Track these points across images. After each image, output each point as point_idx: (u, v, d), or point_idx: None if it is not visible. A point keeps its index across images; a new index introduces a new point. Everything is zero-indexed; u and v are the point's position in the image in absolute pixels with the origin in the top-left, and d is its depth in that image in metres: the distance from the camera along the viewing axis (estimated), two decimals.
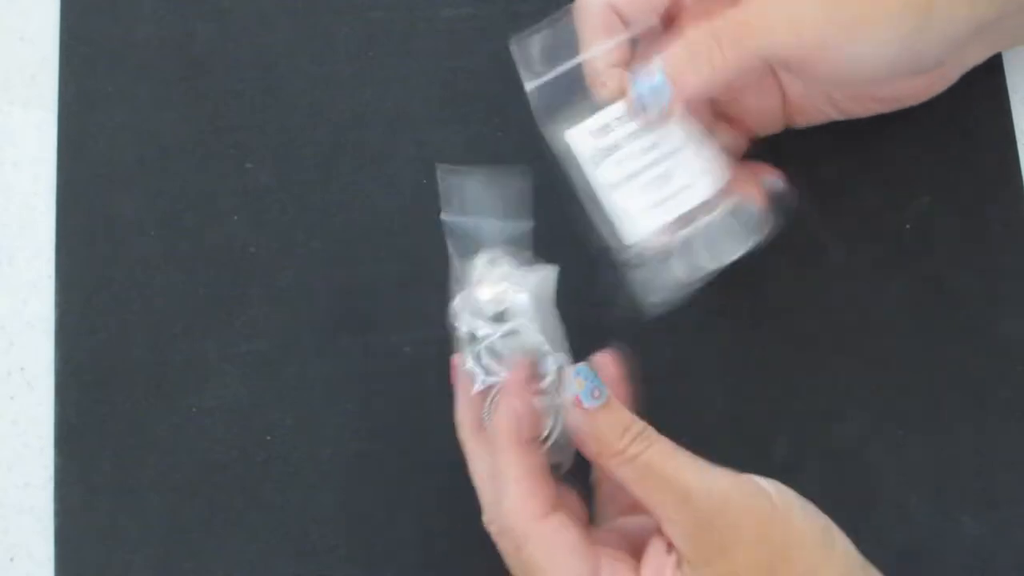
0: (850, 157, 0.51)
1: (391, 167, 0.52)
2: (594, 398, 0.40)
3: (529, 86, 0.45)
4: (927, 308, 0.50)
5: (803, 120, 0.49)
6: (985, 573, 0.48)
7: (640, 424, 0.40)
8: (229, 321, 0.50)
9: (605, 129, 0.44)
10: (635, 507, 0.42)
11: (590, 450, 0.41)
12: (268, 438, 0.50)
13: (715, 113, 0.47)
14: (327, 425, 0.50)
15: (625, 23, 0.45)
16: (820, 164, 0.50)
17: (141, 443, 0.50)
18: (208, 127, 0.53)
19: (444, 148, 0.52)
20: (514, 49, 0.45)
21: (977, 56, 0.48)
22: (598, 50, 0.44)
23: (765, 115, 0.48)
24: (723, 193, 0.44)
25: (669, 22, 0.46)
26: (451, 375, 0.44)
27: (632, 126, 0.44)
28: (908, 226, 0.50)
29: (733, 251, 0.45)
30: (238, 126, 0.52)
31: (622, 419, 0.40)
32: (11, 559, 0.49)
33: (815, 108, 0.48)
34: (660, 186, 0.44)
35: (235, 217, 0.52)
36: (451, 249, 0.44)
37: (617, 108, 0.44)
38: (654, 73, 0.43)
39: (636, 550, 0.41)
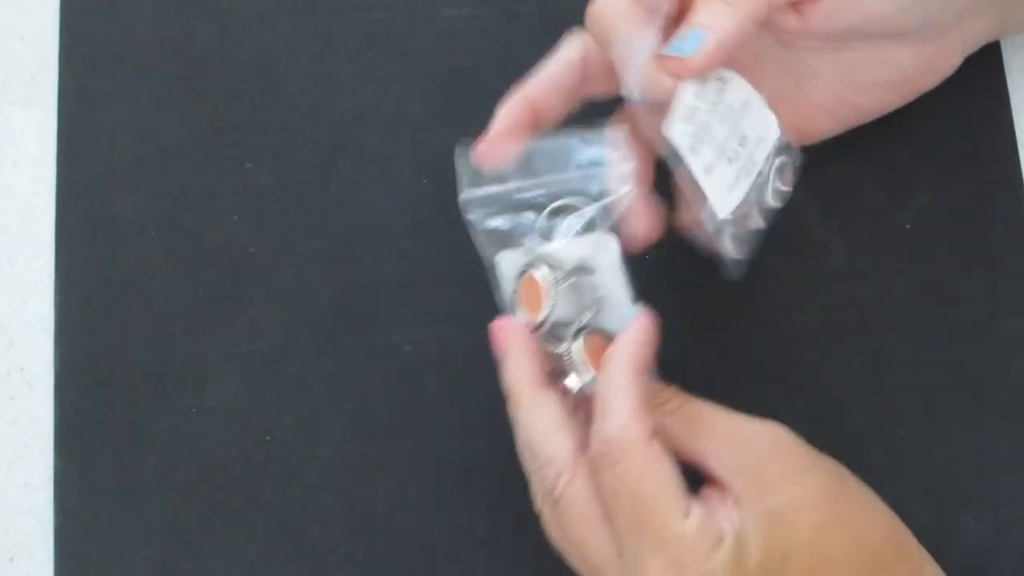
0: (850, 157, 0.51)
1: (391, 167, 0.52)
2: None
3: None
4: (927, 308, 0.50)
5: (818, 132, 0.49)
6: (985, 573, 0.48)
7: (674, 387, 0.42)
8: (229, 321, 0.50)
9: (693, 111, 0.43)
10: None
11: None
12: (268, 438, 0.50)
13: None
14: (327, 425, 0.49)
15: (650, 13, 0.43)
16: (820, 164, 0.50)
17: (141, 443, 0.50)
18: (208, 127, 0.53)
19: (444, 148, 0.52)
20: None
21: (973, 35, 0.48)
22: (638, 43, 0.42)
23: (784, 114, 0.48)
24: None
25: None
26: (496, 339, 0.43)
27: (710, 96, 0.43)
28: (908, 226, 0.50)
29: (787, 192, 0.45)
30: (238, 126, 0.52)
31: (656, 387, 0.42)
32: (11, 559, 0.49)
33: (828, 114, 0.48)
34: (739, 152, 0.43)
35: (235, 217, 0.52)
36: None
37: (691, 87, 0.43)
38: (682, 30, 0.42)
39: None
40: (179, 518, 0.49)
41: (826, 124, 0.49)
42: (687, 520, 0.39)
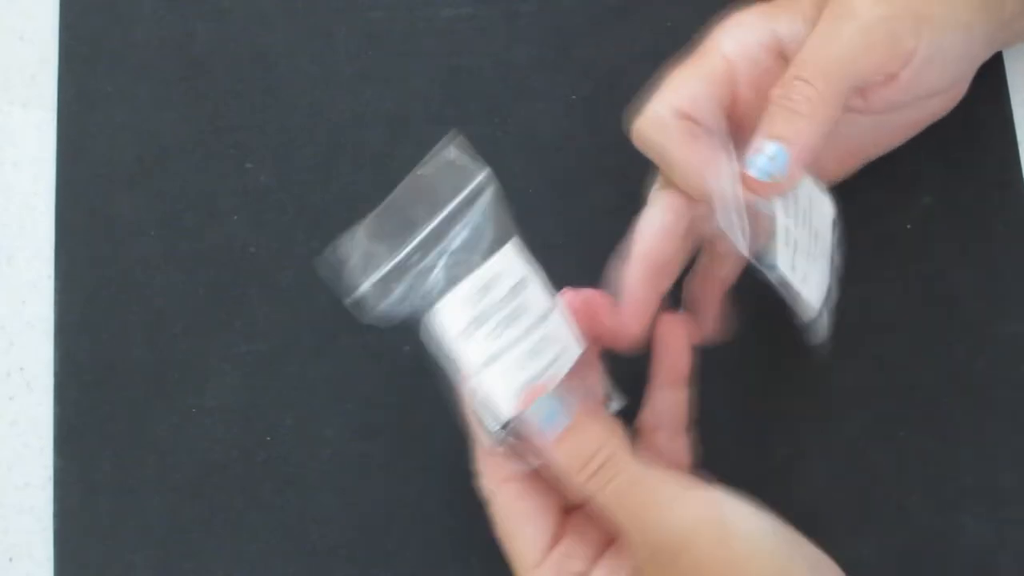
0: None
1: (391, 167, 0.52)
2: (553, 427, 0.40)
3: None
4: (927, 308, 0.50)
5: (846, 169, 0.48)
6: (986, 574, 0.48)
7: (607, 450, 0.40)
8: (229, 321, 0.50)
9: (787, 232, 0.41)
10: None
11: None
12: (268, 438, 0.49)
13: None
14: (327, 425, 0.49)
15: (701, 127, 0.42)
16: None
17: (141, 443, 0.49)
18: (208, 127, 0.52)
19: None
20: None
21: (986, 56, 0.48)
22: (695, 159, 0.41)
23: (826, 166, 0.47)
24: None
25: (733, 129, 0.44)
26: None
27: (791, 211, 0.42)
28: (908, 226, 0.50)
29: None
30: (238, 126, 0.52)
31: (585, 449, 0.40)
32: (10, 559, 0.49)
33: (860, 154, 0.48)
34: (816, 248, 0.43)
35: (235, 217, 0.52)
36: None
37: (779, 207, 0.42)
38: (761, 144, 0.41)
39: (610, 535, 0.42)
40: (179, 518, 0.49)
41: (855, 164, 0.49)
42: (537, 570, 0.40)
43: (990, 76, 0.51)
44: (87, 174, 0.52)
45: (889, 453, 0.49)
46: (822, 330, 0.45)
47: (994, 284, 0.50)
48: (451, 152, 0.41)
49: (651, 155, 0.43)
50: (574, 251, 0.48)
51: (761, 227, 0.41)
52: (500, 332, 0.40)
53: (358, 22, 0.54)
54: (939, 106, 0.48)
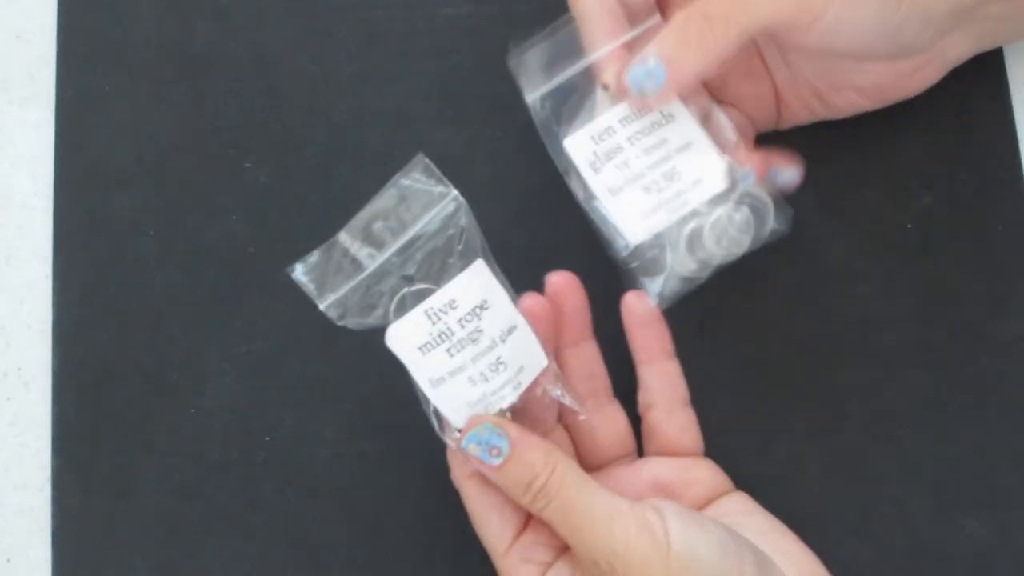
0: (851, 156, 0.51)
1: (391, 167, 0.52)
2: (492, 456, 0.41)
3: (530, 97, 0.45)
4: (927, 308, 0.50)
5: (790, 116, 0.49)
6: (986, 574, 0.48)
7: (543, 476, 0.41)
8: (229, 321, 0.50)
9: (608, 132, 0.44)
10: None
11: None
12: (267, 439, 0.49)
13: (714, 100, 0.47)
14: (327, 425, 0.49)
15: (629, 18, 0.45)
16: (820, 163, 0.50)
17: (140, 444, 0.49)
18: (207, 127, 0.52)
19: (444, 148, 0.52)
20: (512, 63, 0.45)
21: (960, 50, 0.48)
22: (605, 50, 0.44)
23: (758, 103, 0.49)
24: (733, 186, 0.44)
25: (662, 12, 0.46)
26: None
27: (637, 126, 0.44)
28: (909, 226, 0.51)
29: (742, 244, 0.45)
30: (238, 126, 0.52)
31: (525, 474, 0.41)
32: (8, 560, 0.49)
33: (801, 102, 0.49)
34: (665, 186, 0.44)
35: (235, 217, 0.51)
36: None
37: (620, 110, 0.44)
38: (648, 58, 0.43)
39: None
40: (178, 519, 0.49)
41: (797, 112, 0.49)
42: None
43: (990, 75, 0.52)
44: (86, 174, 0.52)
45: (889, 453, 0.49)
46: (639, 276, 0.45)
47: (994, 284, 0.50)
48: (419, 174, 0.42)
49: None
50: (575, 249, 0.48)
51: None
52: (456, 352, 0.42)
53: (358, 22, 0.53)
54: (885, 75, 0.48)
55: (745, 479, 0.47)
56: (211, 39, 0.53)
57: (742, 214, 0.44)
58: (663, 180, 0.44)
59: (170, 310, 0.51)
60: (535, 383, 0.43)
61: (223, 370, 0.50)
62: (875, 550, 0.48)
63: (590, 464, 0.47)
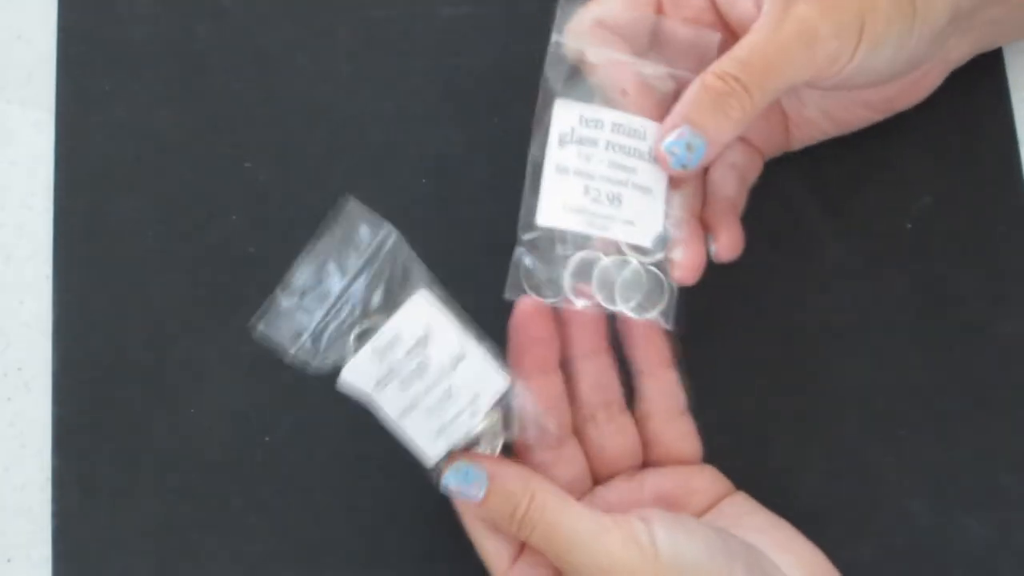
0: (851, 157, 0.51)
1: (391, 167, 0.52)
2: (474, 492, 0.42)
3: (557, 37, 0.44)
4: (927, 308, 0.50)
5: (800, 138, 0.49)
6: (986, 574, 0.48)
7: (524, 503, 0.42)
8: (228, 321, 0.50)
9: (597, 124, 0.43)
10: None
11: None
12: (267, 439, 0.49)
13: None
14: (326, 425, 0.49)
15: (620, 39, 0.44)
16: (821, 164, 0.50)
17: (139, 444, 0.49)
18: (207, 126, 0.52)
19: (444, 148, 0.52)
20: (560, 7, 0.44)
21: (959, 54, 0.48)
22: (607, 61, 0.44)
23: (769, 132, 0.48)
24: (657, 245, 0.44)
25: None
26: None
27: (622, 140, 0.43)
28: (909, 226, 0.51)
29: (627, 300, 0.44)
30: (238, 126, 0.52)
31: (507, 505, 0.42)
32: (8, 560, 0.49)
33: (811, 124, 0.49)
34: (607, 202, 0.43)
35: (234, 217, 0.51)
36: None
37: (619, 116, 0.43)
38: (682, 127, 0.42)
39: None
40: (178, 519, 0.49)
41: (808, 134, 0.49)
42: None
43: (990, 76, 0.52)
44: (85, 173, 0.52)
45: (889, 453, 0.49)
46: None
47: (994, 284, 0.50)
48: (350, 214, 0.42)
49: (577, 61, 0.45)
50: None
51: None
52: (407, 386, 0.42)
53: (358, 22, 0.53)
54: (893, 90, 0.48)
55: (745, 479, 0.47)
56: (211, 39, 0.53)
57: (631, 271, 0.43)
58: (607, 201, 0.43)
59: (170, 310, 0.51)
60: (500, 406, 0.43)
61: (222, 370, 0.50)
62: (875, 549, 0.48)
63: (599, 476, 0.46)
